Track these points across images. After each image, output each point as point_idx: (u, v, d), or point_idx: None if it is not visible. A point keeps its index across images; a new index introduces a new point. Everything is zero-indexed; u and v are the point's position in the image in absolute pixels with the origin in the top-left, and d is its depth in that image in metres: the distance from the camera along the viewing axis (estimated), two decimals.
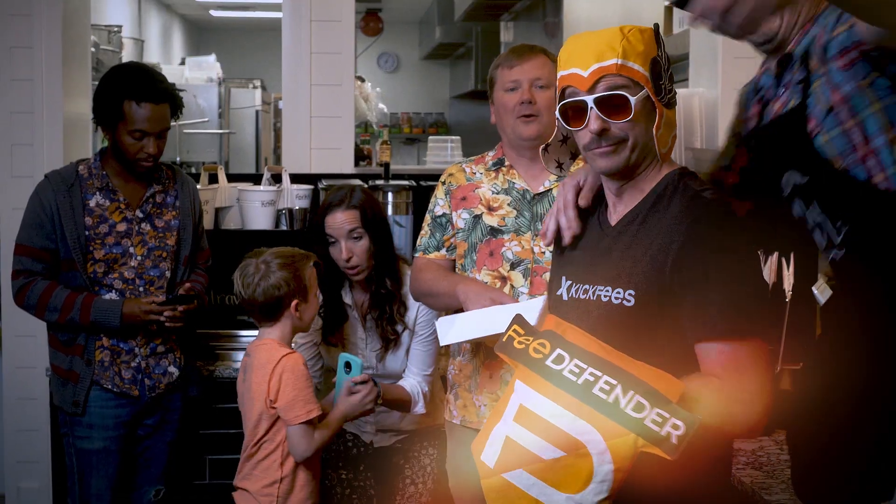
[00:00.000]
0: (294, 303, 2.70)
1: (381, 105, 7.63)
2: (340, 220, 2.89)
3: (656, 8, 5.82)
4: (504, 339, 1.76)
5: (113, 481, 3.08)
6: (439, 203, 2.85)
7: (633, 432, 1.62)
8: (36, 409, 4.47)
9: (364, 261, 2.90)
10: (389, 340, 2.96)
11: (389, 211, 3.59)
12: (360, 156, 5.61)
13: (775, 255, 2.00)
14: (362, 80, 7.29)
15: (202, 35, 12.88)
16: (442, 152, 5.93)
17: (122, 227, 3.06)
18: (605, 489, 1.64)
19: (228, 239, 3.54)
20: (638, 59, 1.80)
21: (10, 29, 4.47)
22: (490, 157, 2.84)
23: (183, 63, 8.45)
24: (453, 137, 6.05)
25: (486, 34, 9.18)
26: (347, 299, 3.01)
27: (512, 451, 1.71)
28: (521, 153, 2.75)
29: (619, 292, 1.82)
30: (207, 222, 3.78)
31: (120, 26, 6.86)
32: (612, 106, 1.80)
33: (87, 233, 3.02)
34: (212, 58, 8.11)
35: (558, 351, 1.71)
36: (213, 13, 11.55)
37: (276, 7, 8.16)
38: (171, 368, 3.12)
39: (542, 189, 2.72)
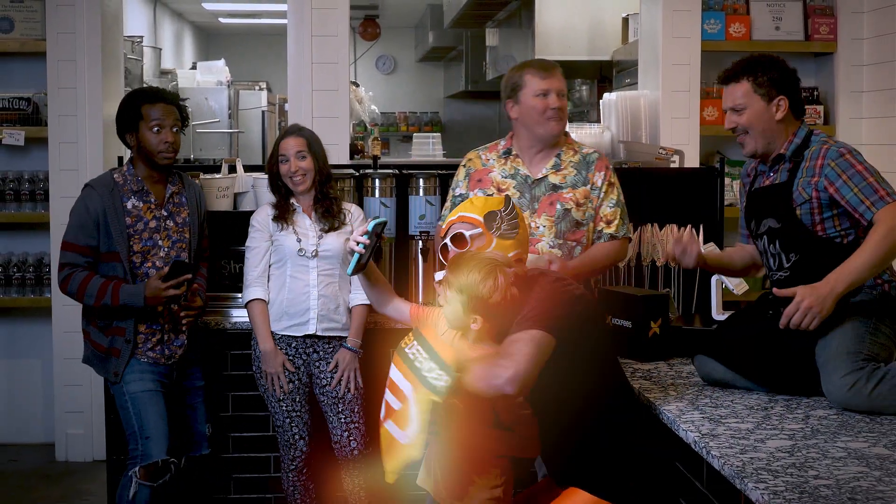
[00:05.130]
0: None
1: (373, 106, 8.17)
2: (293, 143, 3.70)
3: (615, 20, 6.54)
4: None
5: (166, 418, 3.61)
6: (460, 184, 3.60)
7: (423, 385, 2.53)
8: (81, 367, 4.91)
9: (306, 174, 3.69)
10: (330, 223, 3.72)
11: (377, 194, 4.31)
12: (355, 150, 6.25)
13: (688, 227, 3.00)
14: (357, 85, 7.89)
15: (211, 41, 13.27)
16: (425, 147, 6.66)
17: (152, 224, 3.65)
18: (416, 424, 2.53)
19: (245, 218, 4.20)
20: (474, 212, 2.85)
21: (58, 44, 5.16)
22: (501, 146, 3.58)
23: (194, 67, 8.86)
24: (434, 135, 6.79)
25: (475, 39, 9.70)
26: (294, 202, 3.75)
27: (386, 408, 2.64)
28: (531, 145, 3.48)
29: None
30: (227, 205, 4.48)
31: (141, 37, 7.37)
32: (455, 239, 2.84)
33: (127, 230, 3.60)
34: (221, 62, 8.47)
35: (413, 341, 2.62)
36: (222, 20, 12.01)
37: (280, 14, 8.59)
38: (183, 338, 3.71)
39: (539, 175, 3.48)
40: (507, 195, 3.07)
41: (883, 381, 2.74)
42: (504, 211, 2.85)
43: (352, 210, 3.84)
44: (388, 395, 2.67)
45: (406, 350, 2.66)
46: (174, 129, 3.65)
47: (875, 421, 2.70)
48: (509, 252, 2.81)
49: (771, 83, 3.06)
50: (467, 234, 2.82)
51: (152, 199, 3.67)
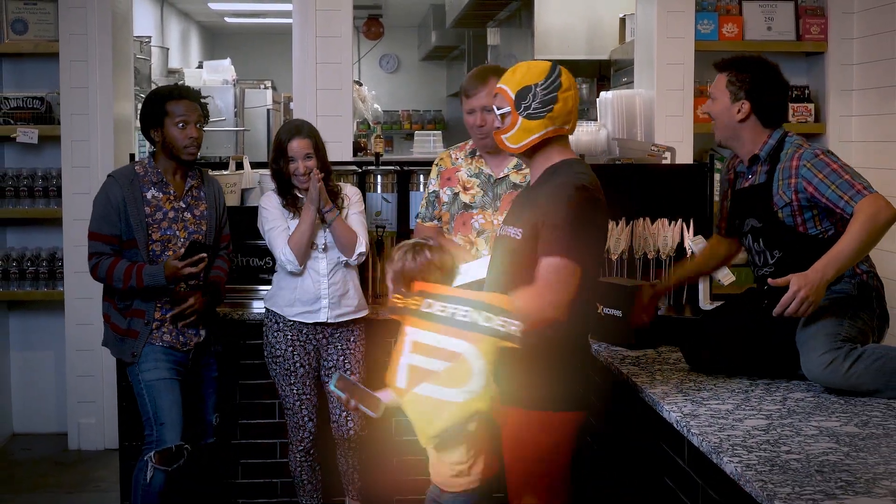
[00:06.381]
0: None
1: (375, 105, 8.31)
2: (300, 146, 3.83)
3: (613, 20, 6.67)
4: (389, 305, 2.71)
5: (180, 405, 3.74)
6: (432, 182, 3.74)
7: (490, 335, 2.48)
8: (93, 358, 5.26)
9: (312, 172, 3.82)
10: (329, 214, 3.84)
11: (378, 189, 4.46)
12: (358, 147, 6.39)
13: (679, 221, 3.20)
14: (360, 85, 8.01)
15: (217, 40, 13.42)
16: (426, 145, 6.82)
17: (171, 215, 3.80)
18: (483, 376, 2.49)
19: (252, 213, 4.35)
20: (510, 85, 2.77)
21: (70, 45, 5.30)
22: (469, 146, 3.72)
23: (200, 66, 8.99)
24: (435, 132, 6.95)
25: (477, 38, 9.77)
26: (300, 195, 3.87)
27: (415, 373, 2.55)
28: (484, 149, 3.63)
29: (514, 230, 2.78)
30: (235, 200, 4.63)
31: (149, 37, 7.51)
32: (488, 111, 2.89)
33: (146, 219, 3.74)
34: (227, 61, 8.63)
35: (427, 300, 2.57)
36: (228, 20, 12.17)
37: (285, 14, 8.68)
38: (201, 331, 3.86)
39: (501, 175, 3.62)
40: (554, 62, 2.84)
41: (859, 361, 2.89)
42: (541, 84, 2.73)
43: (348, 192, 3.99)
44: (417, 359, 2.55)
45: (433, 311, 2.55)
46: (198, 125, 3.80)
47: (850, 402, 2.85)
48: (535, 133, 2.73)
49: (741, 84, 3.20)
50: (498, 111, 2.79)
51: (171, 191, 3.81)
